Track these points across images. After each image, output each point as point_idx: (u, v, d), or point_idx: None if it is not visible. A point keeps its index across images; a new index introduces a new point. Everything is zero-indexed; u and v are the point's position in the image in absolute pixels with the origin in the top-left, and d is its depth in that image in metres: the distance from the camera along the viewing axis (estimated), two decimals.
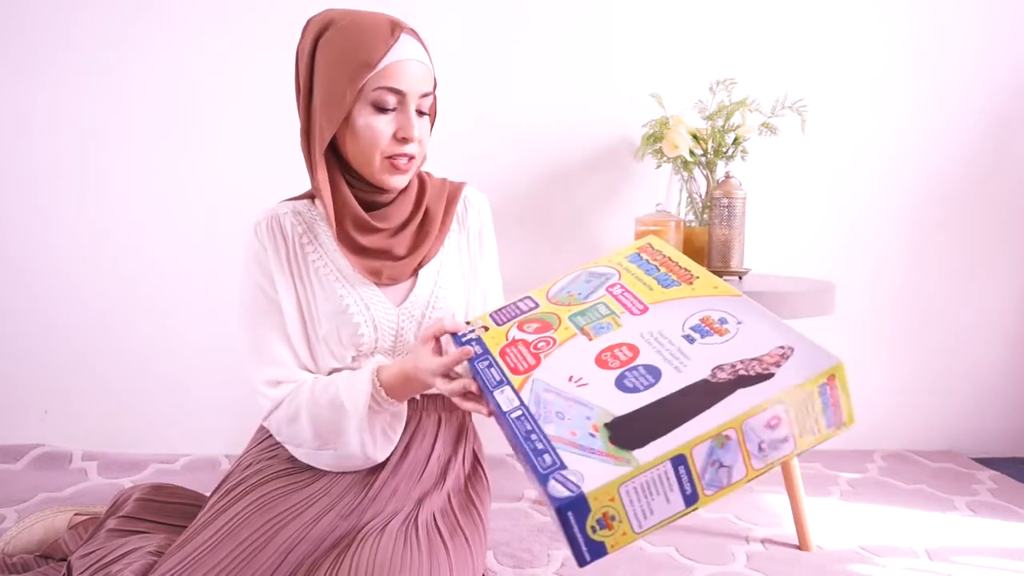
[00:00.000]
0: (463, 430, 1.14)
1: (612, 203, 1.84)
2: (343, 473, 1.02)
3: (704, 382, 0.73)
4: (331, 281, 1.02)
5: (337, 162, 1.02)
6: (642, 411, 0.73)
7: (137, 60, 1.69)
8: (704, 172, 1.62)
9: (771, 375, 0.71)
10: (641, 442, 0.68)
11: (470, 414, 1.16)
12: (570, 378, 0.80)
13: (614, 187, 1.84)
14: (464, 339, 0.92)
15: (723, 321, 0.81)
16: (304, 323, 1.03)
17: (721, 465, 0.69)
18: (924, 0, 1.85)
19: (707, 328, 0.81)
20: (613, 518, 0.66)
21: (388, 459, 1.04)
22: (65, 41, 1.67)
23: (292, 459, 1.04)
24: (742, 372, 0.73)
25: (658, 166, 1.67)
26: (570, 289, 0.96)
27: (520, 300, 0.97)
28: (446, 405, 1.12)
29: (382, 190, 1.03)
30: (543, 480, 0.68)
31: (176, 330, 1.77)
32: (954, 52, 1.88)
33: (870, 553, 1.42)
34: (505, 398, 0.81)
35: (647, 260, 0.97)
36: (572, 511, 0.65)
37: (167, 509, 1.14)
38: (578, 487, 0.66)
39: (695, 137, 1.57)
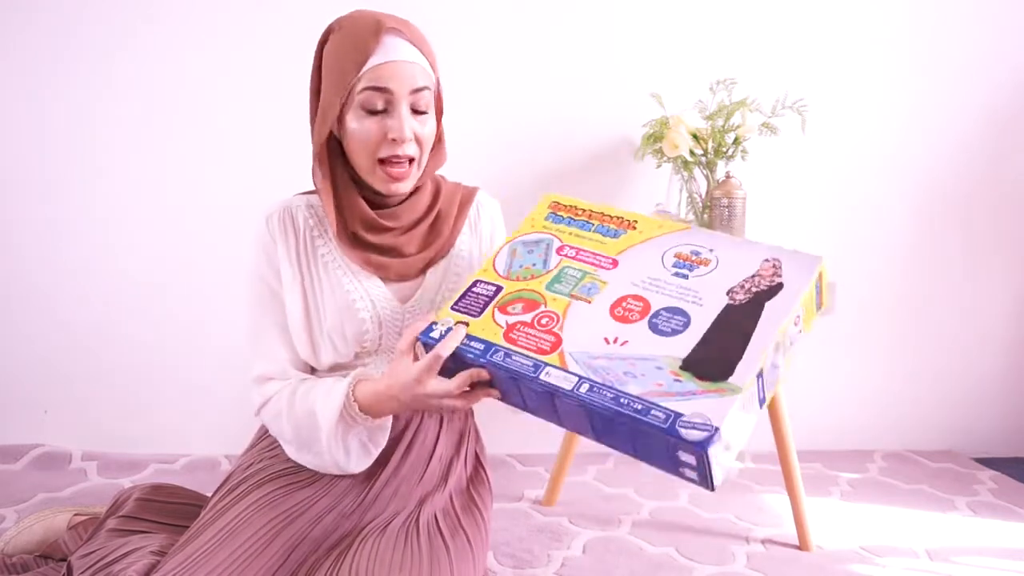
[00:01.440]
0: (465, 431, 1.14)
1: (612, 203, 1.83)
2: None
3: (729, 306, 0.83)
4: (339, 276, 1.02)
5: (347, 165, 1.02)
6: (702, 346, 0.81)
7: (140, 59, 1.69)
8: (704, 172, 1.62)
9: (781, 284, 0.83)
10: (728, 370, 0.77)
11: (472, 415, 1.17)
12: (606, 340, 0.84)
13: (614, 187, 1.84)
14: (433, 336, 0.89)
15: (696, 253, 0.90)
16: (308, 317, 1.03)
17: (775, 366, 0.81)
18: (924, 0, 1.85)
19: (688, 263, 0.89)
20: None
21: (389, 460, 1.03)
22: (67, 41, 1.66)
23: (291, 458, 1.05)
24: (754, 290, 0.84)
25: (658, 166, 1.67)
26: (521, 263, 0.96)
27: (471, 287, 0.95)
28: None
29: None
30: (671, 432, 0.73)
31: (177, 330, 1.77)
32: (954, 52, 1.87)
33: (870, 553, 1.42)
34: (556, 378, 0.81)
35: (570, 217, 1.00)
36: (712, 447, 0.72)
37: (168, 509, 1.14)
38: (709, 424, 0.73)
39: (695, 137, 1.57)
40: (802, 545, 1.43)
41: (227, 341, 1.76)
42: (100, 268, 1.74)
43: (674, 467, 0.78)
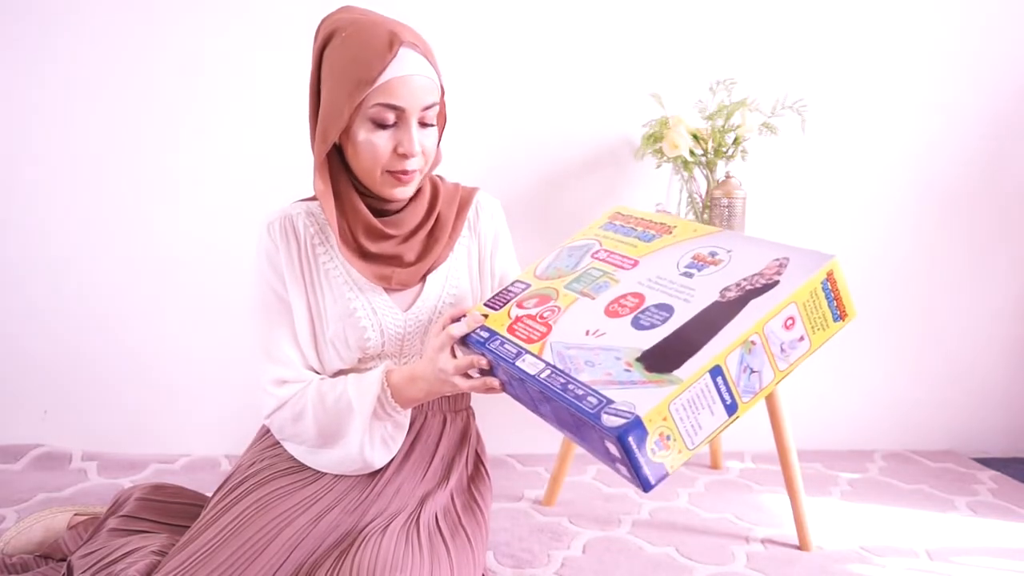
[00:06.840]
0: (467, 431, 1.14)
1: (612, 203, 1.84)
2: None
3: (716, 303, 0.78)
4: (340, 284, 1.03)
5: (346, 171, 1.02)
6: (667, 340, 0.76)
7: (142, 60, 1.69)
8: (704, 172, 1.62)
9: (776, 283, 0.76)
10: (677, 363, 0.72)
11: (474, 416, 1.18)
12: (587, 332, 0.83)
13: (614, 187, 1.84)
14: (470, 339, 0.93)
15: (714, 254, 0.86)
16: (312, 324, 1.03)
17: (752, 371, 0.74)
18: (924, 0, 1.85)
19: (701, 263, 0.85)
20: (668, 437, 0.70)
21: (393, 458, 1.04)
22: (65, 42, 1.67)
23: (295, 457, 1.05)
24: (748, 287, 0.78)
25: (658, 166, 1.67)
26: (556, 265, 0.99)
27: (511, 285, 1.00)
28: (451, 406, 1.12)
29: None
30: (595, 418, 0.70)
31: (177, 330, 1.77)
32: (955, 51, 1.87)
33: (870, 553, 1.42)
34: (528, 364, 0.82)
35: (621, 225, 1.01)
36: (632, 436, 0.67)
37: (168, 509, 1.14)
38: (632, 413, 0.68)
39: (695, 137, 1.57)
40: (802, 545, 1.43)
41: (227, 341, 1.76)
42: (100, 269, 1.74)
43: (610, 460, 0.73)
